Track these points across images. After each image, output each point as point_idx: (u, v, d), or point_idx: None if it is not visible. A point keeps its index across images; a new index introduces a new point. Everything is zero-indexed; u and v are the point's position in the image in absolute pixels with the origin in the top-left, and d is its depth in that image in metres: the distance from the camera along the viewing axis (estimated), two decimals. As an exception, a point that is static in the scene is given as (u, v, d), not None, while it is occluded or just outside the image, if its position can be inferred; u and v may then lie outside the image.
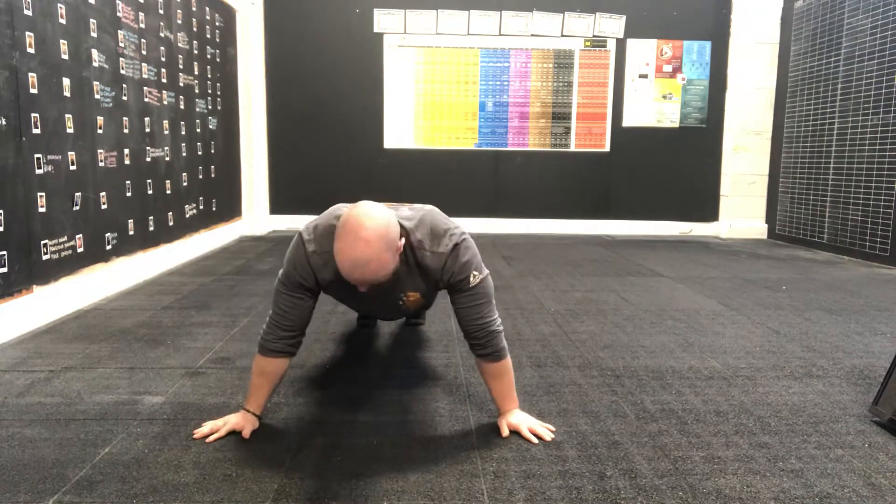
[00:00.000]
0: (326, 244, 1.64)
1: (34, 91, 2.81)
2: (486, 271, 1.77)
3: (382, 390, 2.11)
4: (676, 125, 6.39)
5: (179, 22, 4.46)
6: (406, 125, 6.31)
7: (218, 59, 5.28)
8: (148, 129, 3.96)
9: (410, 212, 1.70)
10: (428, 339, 2.70)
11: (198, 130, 4.83)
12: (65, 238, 3.05)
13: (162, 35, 4.17)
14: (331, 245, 1.61)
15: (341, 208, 1.70)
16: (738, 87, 6.25)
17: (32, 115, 2.80)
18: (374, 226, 1.46)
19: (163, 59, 4.18)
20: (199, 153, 4.88)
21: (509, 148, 6.36)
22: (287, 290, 1.72)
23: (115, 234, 3.55)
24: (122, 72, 3.63)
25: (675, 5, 6.24)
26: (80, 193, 3.18)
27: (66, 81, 3.06)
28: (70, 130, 3.09)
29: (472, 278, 1.69)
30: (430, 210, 1.75)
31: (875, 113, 4.89)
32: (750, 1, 6.15)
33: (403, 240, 1.58)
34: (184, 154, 4.55)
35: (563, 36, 6.22)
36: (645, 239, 6.12)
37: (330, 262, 1.64)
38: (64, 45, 3.06)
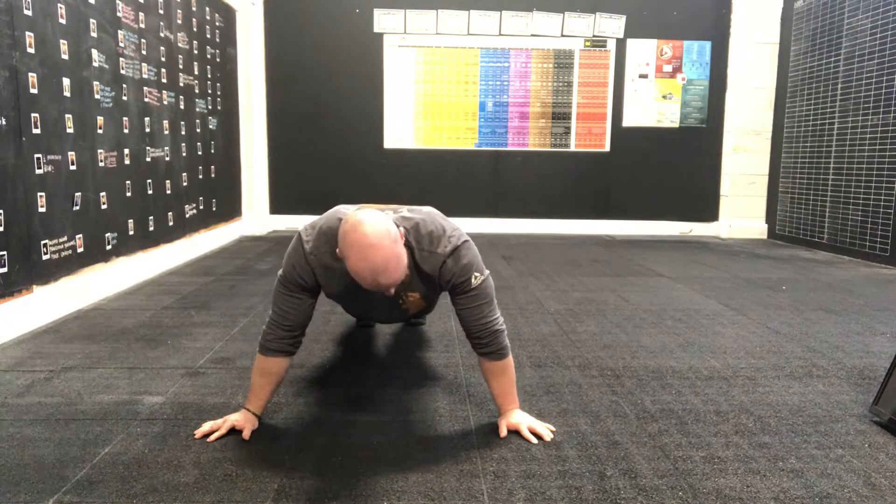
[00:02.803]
0: (325, 245, 1.64)
1: (34, 91, 2.81)
2: (487, 272, 1.77)
3: (382, 390, 2.11)
4: (676, 125, 6.39)
5: (179, 22, 4.46)
6: (406, 125, 6.31)
7: (218, 59, 5.28)
8: (148, 129, 3.96)
9: (409, 213, 1.70)
10: (428, 339, 2.70)
11: (198, 130, 4.83)
12: (65, 238, 3.05)
13: (162, 35, 4.17)
14: (328, 247, 1.63)
15: (341, 210, 1.69)
16: (738, 87, 6.25)
17: (32, 115, 2.80)
18: (375, 229, 1.46)
19: (163, 59, 4.18)
20: (199, 153, 4.88)
21: (509, 148, 6.36)
22: (286, 290, 1.72)
23: (115, 234, 3.55)
24: (122, 72, 3.63)
25: (675, 5, 6.24)
26: (80, 193, 3.18)
27: (66, 81, 3.06)
28: (70, 130, 3.09)
29: (473, 280, 1.69)
30: (428, 212, 1.74)
31: (875, 113, 4.89)
32: (750, 1, 6.15)
33: (403, 238, 1.58)
34: (184, 154, 4.55)
35: (563, 36, 6.22)
36: (645, 239, 6.12)
37: (329, 262, 1.64)
38: (64, 45, 3.06)
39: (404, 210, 1.71)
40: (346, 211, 1.67)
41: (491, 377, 1.80)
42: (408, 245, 1.62)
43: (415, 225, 1.65)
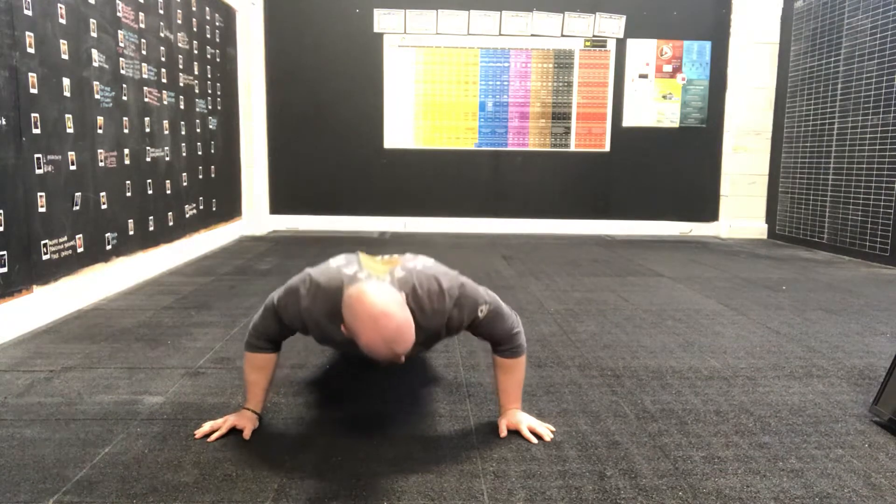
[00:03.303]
0: (322, 304, 1.60)
1: (34, 91, 2.81)
2: (488, 298, 1.71)
3: (382, 390, 2.11)
4: (676, 125, 6.39)
5: (179, 22, 4.46)
6: (406, 125, 6.31)
7: (218, 59, 5.28)
8: (148, 129, 3.96)
9: (403, 272, 1.63)
10: (428, 339, 2.70)
11: (198, 130, 4.83)
12: (65, 238, 3.05)
13: (162, 35, 4.17)
14: (326, 306, 1.59)
15: (343, 270, 1.62)
16: (738, 87, 6.25)
17: (32, 115, 2.80)
18: (381, 298, 1.42)
19: (163, 59, 4.18)
20: (199, 153, 4.88)
21: (509, 148, 6.36)
22: (275, 318, 1.70)
23: (115, 234, 3.55)
24: (122, 72, 3.63)
25: (675, 5, 6.24)
26: (80, 193, 3.18)
27: (66, 81, 3.06)
28: (70, 130, 3.09)
29: (480, 314, 1.68)
30: (422, 268, 1.67)
31: (875, 113, 4.89)
32: (750, 1, 6.15)
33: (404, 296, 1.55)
34: (184, 154, 4.55)
35: (563, 36, 6.22)
36: (645, 239, 6.12)
37: (322, 322, 1.62)
38: (64, 45, 3.06)
39: (397, 268, 1.65)
40: (347, 272, 1.60)
41: (500, 371, 1.80)
42: (409, 310, 1.56)
43: (412, 289, 1.59)
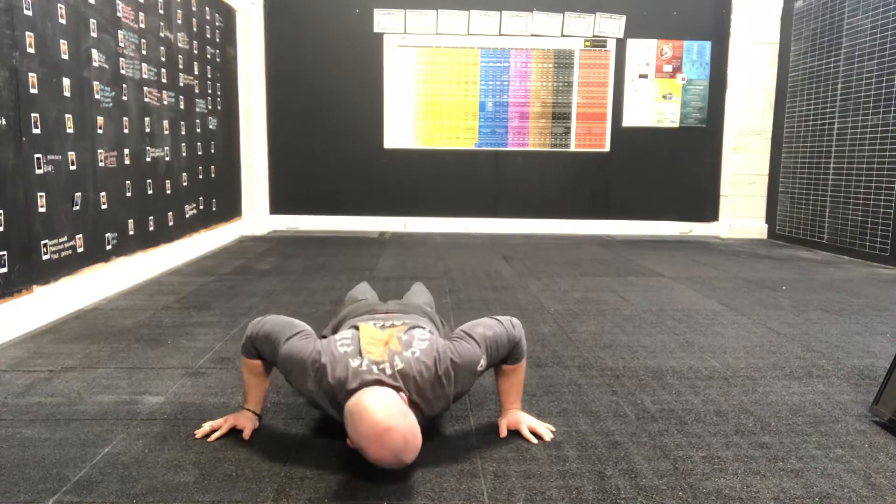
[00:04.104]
0: (322, 393, 1.60)
1: (34, 91, 2.81)
2: (481, 346, 1.67)
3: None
4: (676, 125, 6.39)
5: (179, 22, 4.46)
6: (406, 125, 6.31)
7: (218, 59, 5.28)
8: (148, 129, 3.96)
9: (402, 363, 1.59)
10: (428, 339, 2.70)
11: (198, 130, 4.83)
12: (65, 238, 3.05)
13: (162, 35, 4.17)
14: (326, 395, 1.59)
15: (350, 363, 1.59)
16: (738, 87, 6.25)
17: (32, 115, 2.80)
18: (384, 411, 1.42)
19: (163, 59, 4.18)
20: (199, 153, 4.88)
21: (509, 148, 6.36)
22: (275, 355, 1.67)
23: (115, 234, 3.55)
24: (122, 72, 3.63)
25: (675, 5, 6.24)
26: (80, 193, 3.18)
27: (66, 81, 3.06)
28: (70, 130, 3.09)
29: (479, 368, 1.67)
30: (419, 353, 1.63)
31: (875, 113, 4.89)
32: (750, 1, 6.15)
33: (406, 402, 1.54)
34: (184, 154, 4.55)
35: (563, 36, 6.22)
36: (645, 239, 6.12)
37: (320, 404, 1.63)
38: (64, 45, 3.06)
39: (397, 357, 1.60)
40: (353, 364, 1.57)
41: (501, 375, 1.80)
42: (413, 403, 1.58)
43: (414, 382, 1.58)
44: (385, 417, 1.41)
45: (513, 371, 1.79)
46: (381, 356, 1.60)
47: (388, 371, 1.58)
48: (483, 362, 1.67)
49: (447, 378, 1.62)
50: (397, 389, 1.55)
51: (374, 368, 1.57)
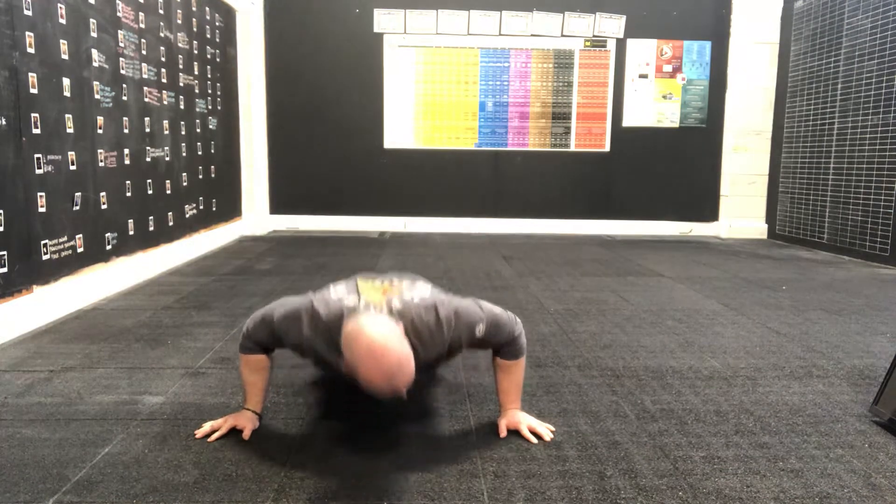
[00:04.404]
0: (320, 338, 1.60)
1: (34, 91, 2.81)
2: (483, 313, 1.69)
3: (382, 390, 2.10)
4: (676, 125, 6.39)
5: (179, 22, 4.46)
6: (406, 125, 6.31)
7: (218, 59, 5.28)
8: (148, 129, 3.96)
9: (400, 304, 1.61)
10: (428, 339, 2.70)
11: (198, 130, 4.83)
12: (65, 238, 3.05)
13: (162, 35, 4.17)
14: (325, 339, 1.59)
15: (344, 302, 1.61)
16: (738, 87, 6.25)
17: (32, 115, 2.80)
18: (381, 333, 1.41)
19: (163, 59, 4.18)
20: (199, 153, 4.88)
21: (509, 148, 6.36)
22: (271, 334, 1.69)
23: (115, 234, 3.55)
24: (122, 72, 3.63)
25: (675, 5, 6.24)
26: (80, 193, 3.18)
27: (66, 81, 3.06)
28: (70, 130, 3.09)
29: (478, 333, 1.67)
30: (419, 300, 1.64)
31: (875, 113, 4.89)
32: (750, 1, 6.15)
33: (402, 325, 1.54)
34: (184, 154, 4.55)
35: (563, 36, 6.22)
36: (645, 239, 6.12)
37: (322, 350, 1.62)
38: (64, 45, 3.06)
39: (395, 299, 1.62)
40: (347, 304, 1.59)
41: (500, 372, 1.80)
42: (409, 342, 1.56)
43: (410, 322, 1.58)
44: (381, 338, 1.40)
45: (512, 368, 1.78)
46: (379, 300, 1.60)
47: (385, 310, 1.57)
48: (482, 328, 1.67)
49: (447, 324, 1.61)
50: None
51: (372, 308, 1.56)
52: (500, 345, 1.74)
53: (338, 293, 1.66)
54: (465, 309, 1.67)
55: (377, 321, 1.46)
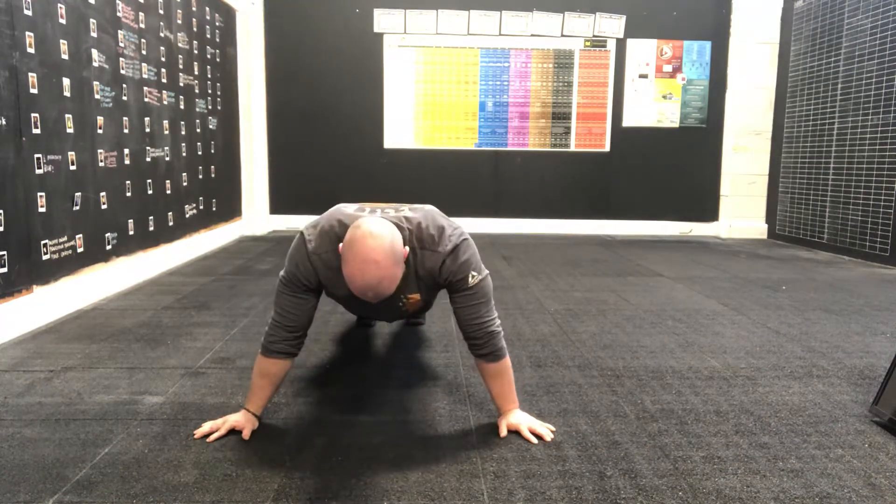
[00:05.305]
0: (327, 245, 1.65)
1: (34, 91, 2.81)
2: (486, 272, 1.77)
3: (382, 390, 2.11)
4: (676, 125, 6.39)
5: (179, 22, 4.46)
6: (406, 125, 6.31)
7: (218, 59, 5.28)
8: (148, 129, 3.96)
9: (411, 213, 1.71)
10: (428, 339, 2.70)
11: (198, 130, 4.83)
12: (65, 238, 3.05)
13: (162, 35, 4.17)
14: (331, 246, 1.64)
15: (342, 209, 1.71)
16: (738, 87, 6.25)
17: (32, 115, 2.80)
18: (380, 245, 1.47)
19: (163, 59, 4.18)
20: (199, 153, 4.88)
21: (509, 148, 6.36)
22: (289, 291, 1.72)
23: (115, 234, 3.55)
24: (122, 72, 3.63)
25: (675, 5, 6.24)
26: (80, 193, 3.18)
27: (66, 81, 3.06)
28: (70, 130, 3.09)
29: (470, 278, 1.70)
30: (429, 210, 1.76)
31: (875, 113, 4.89)
32: (750, 1, 6.15)
33: (408, 248, 1.59)
34: (184, 154, 4.55)
35: (563, 36, 6.22)
36: (645, 239, 6.12)
37: (330, 262, 1.65)
38: (64, 45, 3.06)
39: (405, 209, 1.72)
40: (347, 211, 1.68)
41: (488, 379, 1.80)
42: (410, 246, 1.63)
43: (416, 225, 1.66)
44: (379, 250, 1.47)
45: (498, 371, 1.79)
46: (386, 208, 1.71)
47: (392, 213, 1.66)
48: (475, 276, 1.71)
49: (450, 241, 1.67)
50: (397, 225, 1.60)
51: (377, 211, 1.65)
52: (477, 325, 1.74)
53: (336, 207, 1.75)
54: (474, 251, 1.74)
55: (386, 231, 1.51)
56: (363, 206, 1.77)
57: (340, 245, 1.53)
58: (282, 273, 1.75)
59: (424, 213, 1.72)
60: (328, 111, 6.26)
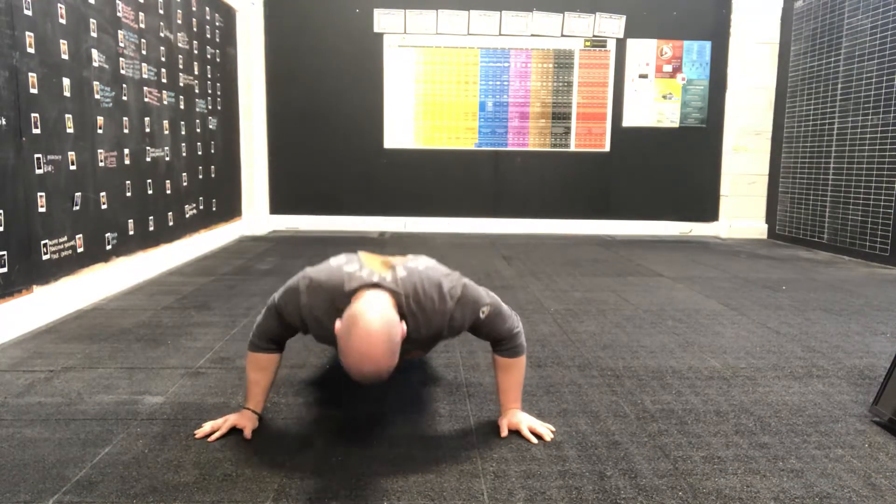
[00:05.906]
0: (319, 304, 1.60)
1: (34, 91, 2.81)
2: (490, 296, 1.72)
3: (382, 390, 2.11)
4: (676, 125, 6.39)
5: (179, 22, 4.46)
6: (406, 125, 6.31)
7: (218, 59, 5.28)
8: (148, 129, 3.96)
9: (405, 272, 1.62)
10: (428, 339, 2.70)
11: (198, 130, 4.83)
12: (65, 238, 3.05)
13: (162, 35, 4.17)
14: (324, 307, 1.59)
15: (344, 269, 1.61)
16: (738, 87, 6.25)
17: (32, 115, 2.80)
18: (378, 342, 1.41)
19: (163, 59, 4.18)
20: (199, 153, 4.88)
21: (509, 148, 6.36)
22: (276, 318, 1.71)
23: (115, 234, 3.55)
24: (122, 72, 3.63)
25: (675, 5, 6.24)
26: (80, 193, 3.18)
27: (66, 81, 3.06)
28: (70, 130, 3.09)
29: (481, 314, 1.68)
30: (423, 266, 1.66)
31: (875, 113, 4.89)
32: (750, 1, 6.15)
33: (404, 326, 1.52)
34: (184, 154, 4.55)
35: (563, 36, 6.22)
36: (645, 239, 6.12)
37: (321, 321, 1.61)
38: (64, 45, 3.05)
39: (399, 267, 1.63)
40: (347, 269, 1.59)
41: (500, 371, 1.80)
42: (408, 311, 1.58)
43: (413, 289, 1.59)
44: (376, 340, 1.40)
45: (511, 366, 1.78)
46: (382, 269, 1.61)
47: (389, 277, 1.58)
48: (486, 310, 1.68)
49: (451, 296, 1.62)
50: (394, 294, 1.54)
51: (375, 276, 1.57)
52: (500, 338, 1.74)
53: (338, 261, 1.67)
54: (474, 288, 1.69)
55: (378, 313, 1.45)
56: (361, 263, 1.64)
57: (338, 323, 1.47)
58: (276, 296, 1.71)
59: (419, 272, 1.63)
60: (328, 111, 6.26)
